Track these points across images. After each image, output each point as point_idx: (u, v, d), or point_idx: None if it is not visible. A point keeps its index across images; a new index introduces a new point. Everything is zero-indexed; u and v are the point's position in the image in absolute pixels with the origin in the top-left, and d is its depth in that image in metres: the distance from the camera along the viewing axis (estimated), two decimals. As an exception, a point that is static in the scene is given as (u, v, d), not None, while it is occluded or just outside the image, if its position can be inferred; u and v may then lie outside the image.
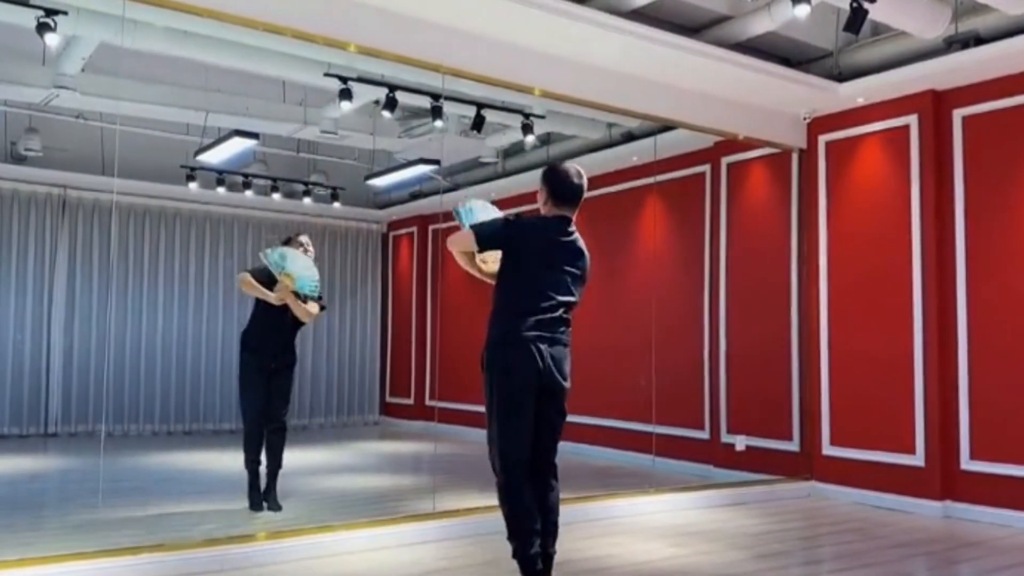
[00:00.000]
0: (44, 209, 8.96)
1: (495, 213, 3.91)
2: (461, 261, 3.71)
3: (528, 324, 3.42)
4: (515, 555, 3.40)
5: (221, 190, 8.69)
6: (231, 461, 5.60)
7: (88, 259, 8.99)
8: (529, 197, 9.27)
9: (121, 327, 8.87)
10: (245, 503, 5.14)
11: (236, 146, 7.45)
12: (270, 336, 5.18)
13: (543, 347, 3.42)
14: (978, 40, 5.44)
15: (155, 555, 3.87)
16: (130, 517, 4.95)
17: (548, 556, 3.45)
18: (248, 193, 8.81)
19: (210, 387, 9.18)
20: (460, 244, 3.65)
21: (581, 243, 3.65)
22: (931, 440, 5.73)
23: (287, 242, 5.33)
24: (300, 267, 5.12)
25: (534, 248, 3.52)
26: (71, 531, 4.65)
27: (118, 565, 3.77)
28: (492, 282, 3.66)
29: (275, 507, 5.11)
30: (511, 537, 3.41)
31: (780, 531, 5.21)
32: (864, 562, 4.46)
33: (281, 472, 5.21)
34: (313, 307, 5.23)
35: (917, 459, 5.79)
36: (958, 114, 5.82)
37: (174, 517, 5.10)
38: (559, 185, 3.62)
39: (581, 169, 3.70)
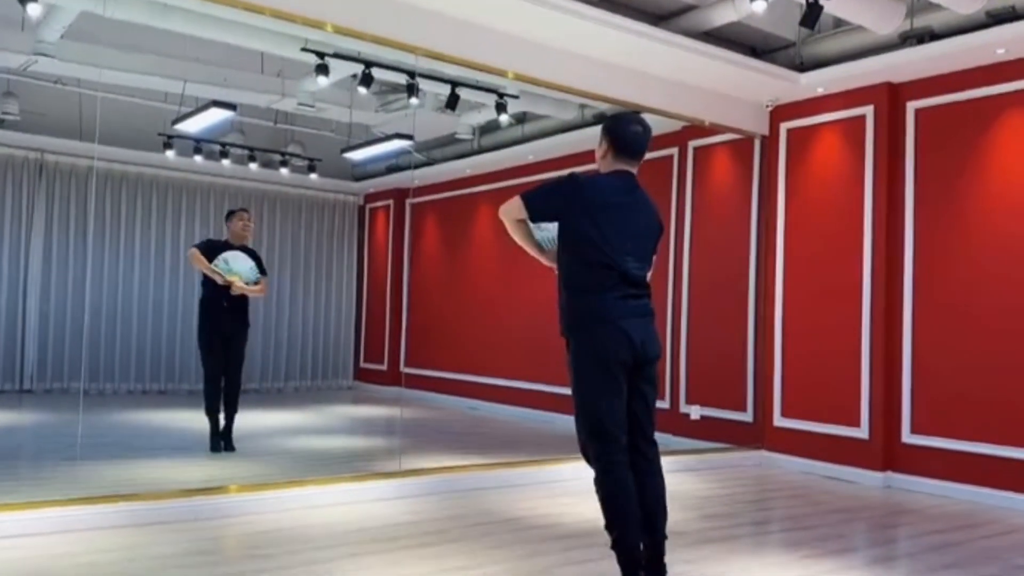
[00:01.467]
0: (21, 173, 9.02)
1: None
2: (517, 237, 3.31)
3: (612, 299, 3.10)
4: (614, 546, 3.10)
5: (198, 158, 8.79)
6: (205, 419, 5.84)
7: (64, 222, 9.09)
8: (506, 173, 9.54)
9: (97, 289, 8.99)
10: (219, 458, 5.40)
11: (213, 116, 7.56)
12: (223, 304, 5.93)
13: (635, 321, 3.14)
14: (932, 36, 5.69)
15: (131, 504, 4.10)
16: (107, 469, 5.15)
17: (662, 540, 3.19)
18: (225, 162, 8.92)
19: (185, 348, 9.32)
20: (509, 213, 3.22)
21: (650, 200, 3.30)
22: (875, 414, 6.06)
23: (229, 216, 6.11)
24: (240, 266, 5.95)
25: (601, 209, 3.10)
26: (49, 481, 4.85)
27: (94, 512, 3.99)
28: (551, 263, 3.32)
29: (230, 448, 5.87)
30: (609, 527, 3.12)
31: (728, 495, 5.53)
32: (805, 524, 4.78)
33: (251, 428, 5.58)
34: (261, 284, 6.00)
35: (862, 432, 6.12)
36: (911, 106, 6.09)
37: (149, 470, 5.31)
38: (623, 135, 3.18)
39: (646, 121, 3.30)
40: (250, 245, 6.23)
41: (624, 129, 3.21)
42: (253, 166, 9.13)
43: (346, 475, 5.03)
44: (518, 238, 3.32)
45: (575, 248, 3.16)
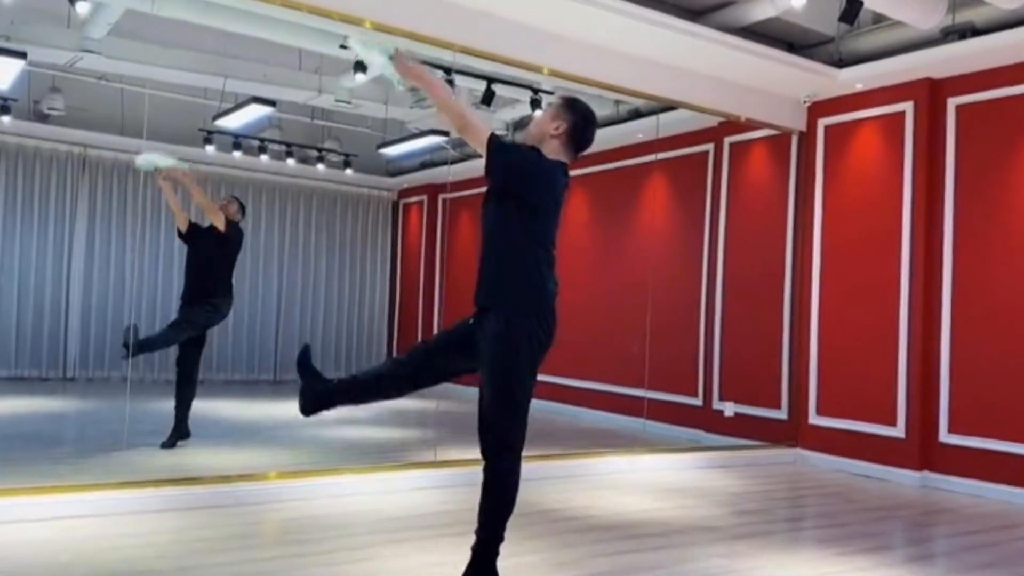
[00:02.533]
0: (65, 167, 9.22)
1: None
2: (446, 114, 3.07)
3: (551, 285, 3.07)
4: (497, 543, 3.07)
5: (237, 154, 8.92)
6: (242, 409, 5.96)
7: (107, 215, 9.28)
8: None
9: (138, 280, 9.18)
10: (257, 446, 5.54)
11: (253, 112, 7.69)
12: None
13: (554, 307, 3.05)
14: (974, 31, 5.63)
15: (177, 488, 4.22)
16: (151, 456, 5.29)
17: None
18: (263, 158, 9.05)
19: (222, 338, 9.50)
20: (473, 133, 3.00)
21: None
22: (912, 413, 6.01)
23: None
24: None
25: (552, 191, 3.04)
26: (96, 466, 4.98)
27: (142, 496, 4.11)
28: (453, 123, 3.06)
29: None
30: (500, 526, 3.04)
31: (761, 492, 5.52)
32: (839, 522, 4.76)
33: (286, 419, 5.81)
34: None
35: (898, 431, 6.07)
36: (952, 102, 6.03)
37: (191, 456, 5.44)
38: (584, 136, 3.14)
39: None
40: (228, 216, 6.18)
41: (588, 131, 3.16)
42: (291, 162, 9.26)
43: (383, 464, 5.11)
44: (446, 113, 3.07)
45: (525, 218, 3.00)
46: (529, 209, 3.01)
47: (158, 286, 9.20)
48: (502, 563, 3.15)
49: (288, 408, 6.87)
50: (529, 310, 3.02)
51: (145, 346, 6.19)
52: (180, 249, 9.37)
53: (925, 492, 5.75)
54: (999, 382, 5.63)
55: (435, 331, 10.41)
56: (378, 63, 3.11)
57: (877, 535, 4.57)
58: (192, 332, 5.95)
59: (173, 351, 9.13)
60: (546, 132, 3.13)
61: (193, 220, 6.22)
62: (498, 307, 3.02)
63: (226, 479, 4.46)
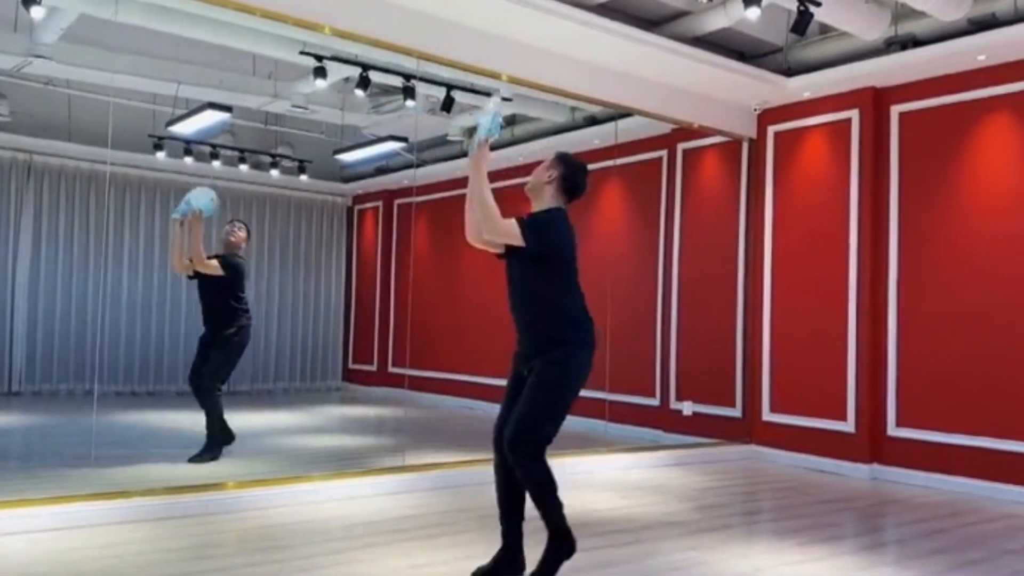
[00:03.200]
0: (10, 174, 9.00)
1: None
2: (476, 230, 3.55)
3: (591, 326, 3.53)
4: (561, 519, 3.37)
5: (188, 160, 8.83)
6: (199, 420, 5.88)
7: (53, 223, 9.09)
8: (496, 175, 9.61)
9: (83, 291, 8.99)
10: (223, 455, 5.60)
11: (209, 118, 7.61)
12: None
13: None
14: (915, 42, 5.89)
15: (144, 499, 4.18)
16: (109, 468, 5.19)
17: None
18: (216, 164, 8.96)
19: (173, 350, 9.36)
20: (500, 232, 3.40)
21: None
22: (861, 408, 6.25)
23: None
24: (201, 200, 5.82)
25: (573, 241, 3.50)
26: (53, 480, 4.87)
27: (109, 508, 4.06)
28: (494, 250, 3.56)
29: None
30: (556, 507, 3.37)
31: (720, 487, 5.68)
32: (794, 514, 4.94)
33: (245, 429, 5.83)
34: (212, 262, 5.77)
35: (848, 426, 6.30)
36: (895, 110, 6.29)
37: (150, 469, 5.35)
38: (578, 184, 3.54)
39: None
40: (241, 254, 6.08)
41: (579, 178, 3.54)
42: (243, 167, 9.18)
43: (352, 470, 5.12)
44: (475, 230, 3.56)
45: (567, 276, 3.48)
46: (562, 262, 3.45)
47: (107, 295, 9.04)
48: (471, 563, 3.28)
49: (245, 419, 6.86)
50: (582, 344, 3.48)
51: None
52: (131, 257, 9.28)
53: (875, 484, 5.97)
54: (944, 378, 5.89)
55: (390, 339, 10.40)
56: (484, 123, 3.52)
57: (831, 526, 4.75)
58: (232, 365, 5.98)
59: (122, 363, 9.08)
60: (541, 180, 3.51)
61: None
62: (555, 348, 3.43)
63: (195, 488, 4.44)
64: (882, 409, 6.19)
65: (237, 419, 8.20)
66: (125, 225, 9.30)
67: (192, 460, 5.50)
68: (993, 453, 5.58)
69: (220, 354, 5.78)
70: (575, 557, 3.37)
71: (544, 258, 3.42)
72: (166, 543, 3.78)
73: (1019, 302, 5.55)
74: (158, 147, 8.54)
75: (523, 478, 3.34)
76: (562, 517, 3.37)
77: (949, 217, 5.97)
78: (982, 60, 5.71)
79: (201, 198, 5.83)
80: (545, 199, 3.50)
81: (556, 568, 3.31)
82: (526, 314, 3.55)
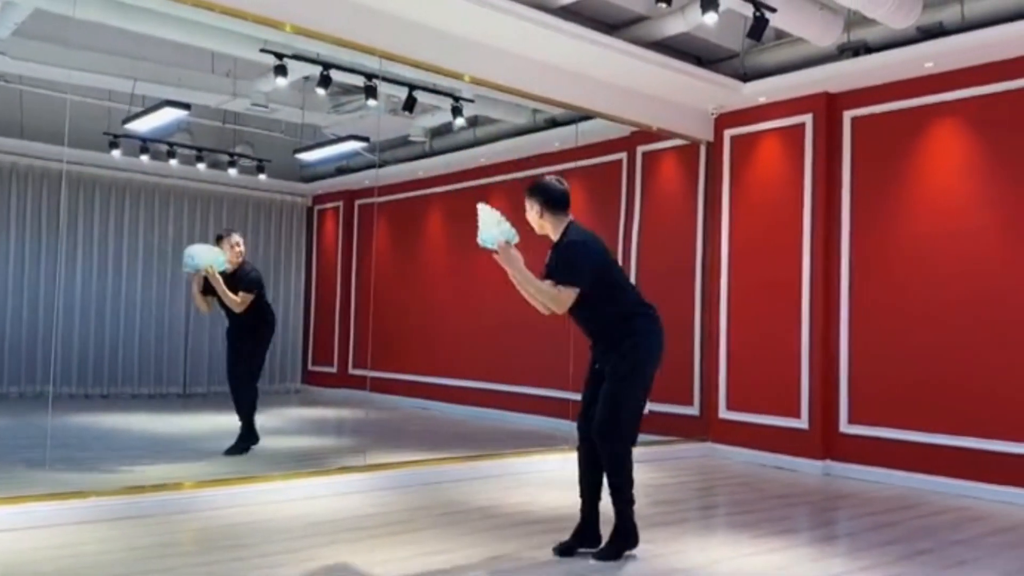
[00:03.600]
0: (-42, 172, 8.80)
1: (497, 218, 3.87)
2: (547, 309, 3.93)
3: (651, 311, 3.98)
4: (629, 510, 3.79)
5: (145, 158, 8.71)
6: (153, 423, 5.85)
7: (4, 222, 8.88)
8: (458, 176, 9.69)
9: (35, 291, 8.81)
10: (180, 459, 5.52)
11: (166, 116, 7.53)
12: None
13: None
14: (867, 49, 6.06)
15: (102, 499, 4.13)
16: (72, 469, 5.13)
17: None
18: (172, 162, 8.85)
19: (128, 353, 9.22)
20: (563, 303, 3.79)
21: None
22: (814, 406, 6.40)
23: (219, 239, 6.10)
24: (203, 256, 6.00)
25: (603, 251, 3.93)
26: (13, 480, 4.80)
27: (67, 508, 4.01)
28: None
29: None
30: (628, 498, 3.78)
31: (677, 483, 5.78)
32: (749, 509, 5.04)
33: (204, 431, 6.07)
34: (241, 296, 5.99)
35: (802, 423, 6.45)
36: (848, 115, 6.46)
37: (111, 470, 5.29)
38: (550, 192, 3.86)
39: (559, 177, 3.99)
40: (234, 262, 6.14)
41: (556, 192, 3.88)
42: (201, 166, 9.07)
43: (313, 470, 5.11)
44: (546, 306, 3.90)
45: (612, 287, 3.90)
46: (603, 273, 3.85)
47: (60, 296, 8.86)
48: (431, 559, 3.36)
49: (203, 420, 6.77)
50: (645, 332, 3.95)
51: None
52: (84, 257, 9.11)
53: (828, 480, 6.12)
54: (893, 375, 6.06)
55: (350, 340, 10.36)
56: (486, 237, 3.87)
57: (785, 519, 4.86)
58: (263, 357, 6.35)
59: (75, 369, 8.89)
60: (536, 219, 3.91)
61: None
62: (623, 342, 3.85)
63: (155, 488, 4.40)
64: (834, 406, 6.35)
65: (196, 421, 8.14)
66: (79, 224, 9.13)
67: (227, 453, 5.85)
68: (941, 448, 5.75)
69: (248, 343, 6.09)
70: (531, 552, 3.42)
71: (593, 282, 3.80)
72: (124, 543, 3.74)
73: (966, 302, 5.74)
74: (114, 145, 8.40)
75: (607, 464, 3.77)
76: (631, 509, 3.79)
77: (899, 219, 6.15)
78: (930, 67, 5.89)
79: (206, 256, 5.99)
80: (551, 226, 3.89)
81: (618, 555, 3.74)
82: (590, 324, 3.93)
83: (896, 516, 4.94)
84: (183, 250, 8.71)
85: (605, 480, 3.84)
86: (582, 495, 3.88)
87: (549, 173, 8.14)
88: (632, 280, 7.60)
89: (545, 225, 3.90)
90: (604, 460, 3.78)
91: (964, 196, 5.83)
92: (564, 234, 3.87)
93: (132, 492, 4.29)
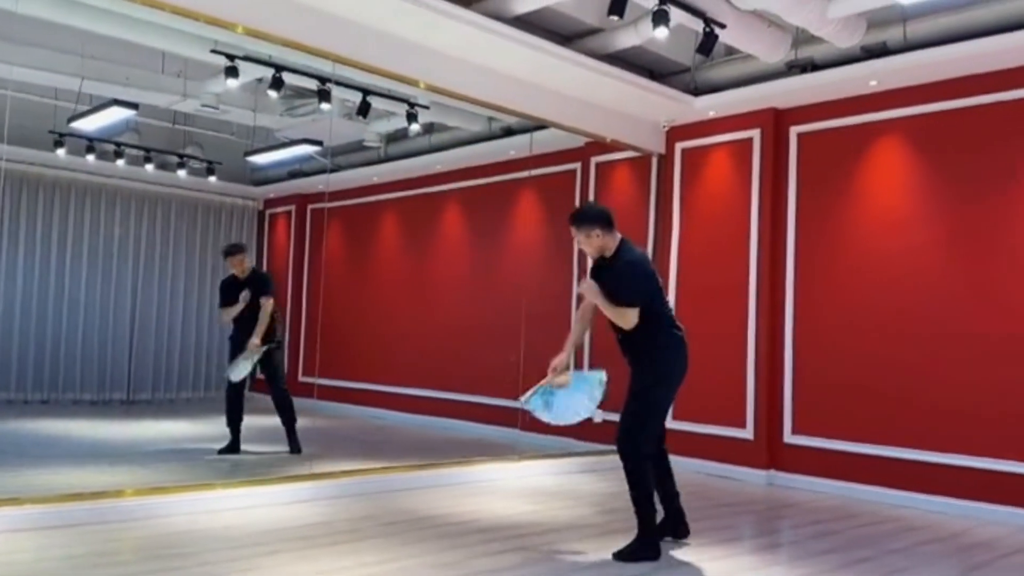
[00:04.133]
0: None
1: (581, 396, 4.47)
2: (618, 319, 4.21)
3: (677, 331, 4.28)
4: (649, 520, 4.06)
5: (91, 158, 8.53)
6: (95, 429, 5.71)
7: (-60, 223, 8.61)
8: (413, 182, 9.65)
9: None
10: (122, 467, 5.36)
11: (113, 115, 7.38)
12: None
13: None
14: (814, 66, 6.20)
15: (37, 507, 4.01)
16: (9, 475, 4.99)
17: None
18: (120, 163, 8.68)
19: (71, 357, 8.98)
20: (630, 321, 4.14)
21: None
22: (759, 417, 6.50)
23: (227, 253, 6.62)
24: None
25: (651, 273, 4.28)
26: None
27: (0, 515, 3.88)
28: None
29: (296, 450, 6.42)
30: (647, 508, 4.07)
31: (627, 492, 5.78)
32: (695, 517, 5.04)
33: (146, 437, 6.00)
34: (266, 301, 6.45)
35: (747, 433, 6.54)
36: (794, 130, 6.61)
37: (44, 476, 5.16)
38: (606, 217, 4.28)
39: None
40: (244, 270, 6.60)
41: (604, 213, 4.31)
42: (149, 167, 8.91)
43: (256, 478, 5.03)
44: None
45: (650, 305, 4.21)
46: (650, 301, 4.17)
47: (1, 297, 8.60)
48: (375, 570, 3.33)
49: (145, 427, 6.60)
50: (667, 347, 4.27)
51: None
52: (26, 258, 8.85)
53: (772, 489, 6.22)
54: (835, 387, 6.19)
55: (300, 348, 10.21)
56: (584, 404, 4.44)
57: (729, 528, 4.93)
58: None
59: (14, 370, 8.62)
60: (595, 244, 4.28)
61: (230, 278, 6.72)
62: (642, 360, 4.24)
63: (93, 496, 4.28)
64: (779, 417, 6.46)
65: (138, 428, 7.96)
66: (20, 225, 8.88)
67: (292, 452, 6.32)
68: (881, 459, 5.89)
69: (280, 353, 6.65)
70: (476, 560, 3.43)
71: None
72: (60, 551, 3.64)
73: (906, 316, 5.89)
74: (59, 144, 8.21)
75: (625, 473, 4.08)
76: (652, 519, 4.05)
77: (842, 233, 6.29)
78: (874, 85, 6.05)
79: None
80: (608, 246, 4.25)
81: (636, 558, 3.95)
82: (625, 342, 4.27)
83: (837, 525, 5.04)
84: (127, 251, 8.63)
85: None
86: (658, 496, 4.25)
87: (504, 182, 8.23)
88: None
89: (603, 247, 4.24)
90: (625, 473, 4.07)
91: (907, 211, 5.99)
92: (619, 250, 4.21)
93: (70, 499, 4.17)
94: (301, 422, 6.59)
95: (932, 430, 5.68)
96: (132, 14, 5.57)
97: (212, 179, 9.35)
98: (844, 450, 6.08)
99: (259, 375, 6.61)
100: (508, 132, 7.83)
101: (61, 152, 8.27)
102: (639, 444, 4.07)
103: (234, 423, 6.48)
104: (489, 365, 8.06)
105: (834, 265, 6.31)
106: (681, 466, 6.80)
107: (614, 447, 6.95)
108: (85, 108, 7.59)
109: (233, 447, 6.36)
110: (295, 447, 6.40)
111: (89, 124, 7.58)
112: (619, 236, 4.26)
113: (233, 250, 6.66)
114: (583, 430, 7.46)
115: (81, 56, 7.02)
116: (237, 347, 6.52)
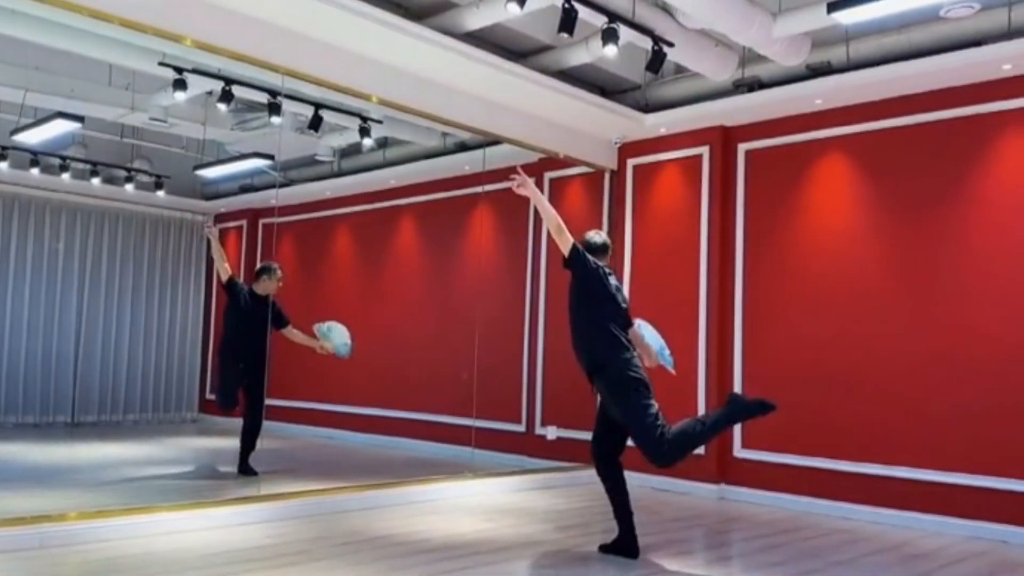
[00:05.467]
0: None
1: None
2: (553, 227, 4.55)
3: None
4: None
5: (35, 172, 8.33)
6: (39, 453, 5.53)
7: None
8: (367, 197, 9.62)
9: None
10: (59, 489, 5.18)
11: (58, 128, 7.21)
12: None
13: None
14: (761, 85, 6.32)
15: (-27, 534, 3.86)
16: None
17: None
18: (65, 176, 8.49)
19: (13, 378, 8.71)
20: (556, 233, 4.54)
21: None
22: (711, 430, 6.54)
23: (260, 273, 6.55)
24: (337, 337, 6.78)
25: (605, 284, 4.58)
26: None
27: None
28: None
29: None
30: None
31: (581, 508, 5.82)
32: (647, 531, 5.09)
33: (91, 460, 5.98)
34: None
35: (698, 448, 6.57)
36: (742, 147, 6.72)
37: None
38: (591, 245, 4.70)
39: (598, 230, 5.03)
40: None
41: (596, 243, 4.76)
42: (95, 181, 8.72)
43: (205, 500, 4.92)
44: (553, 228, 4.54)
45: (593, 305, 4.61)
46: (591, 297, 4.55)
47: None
48: None
49: (91, 450, 6.42)
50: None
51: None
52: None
53: (722, 503, 6.27)
54: (784, 402, 6.18)
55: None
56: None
57: (681, 541, 4.96)
58: None
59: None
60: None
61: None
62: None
63: (33, 519, 4.14)
64: (728, 432, 6.51)
65: (84, 451, 7.75)
66: (-40, 240, 8.63)
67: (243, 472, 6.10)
68: (828, 472, 5.98)
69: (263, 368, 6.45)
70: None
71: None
72: (-6, 580, 3.52)
73: (850, 330, 6.01)
74: (1, 157, 8.01)
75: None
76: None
77: (789, 248, 6.41)
78: (819, 104, 6.19)
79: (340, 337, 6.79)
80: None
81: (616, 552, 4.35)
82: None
83: (785, 538, 5.10)
84: (72, 267, 8.37)
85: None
86: (614, 512, 4.54)
87: (458, 197, 8.20)
88: (541, 307, 7.68)
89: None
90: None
91: (851, 226, 6.12)
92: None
93: (11, 524, 4.03)
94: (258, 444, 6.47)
95: (877, 443, 5.79)
96: (78, 25, 5.44)
97: (160, 193, 9.17)
98: (793, 463, 6.16)
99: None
100: (462, 147, 7.83)
101: (4, 165, 8.06)
102: (651, 435, 4.27)
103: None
104: (443, 383, 8.02)
105: (781, 279, 6.41)
106: (633, 480, 6.83)
107: (567, 464, 7.04)
108: (29, 121, 7.41)
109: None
110: (250, 468, 6.21)
111: (33, 137, 7.41)
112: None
113: (269, 268, 6.61)
114: (536, 447, 7.50)
115: (25, 67, 6.86)
116: (235, 357, 6.46)
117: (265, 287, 6.49)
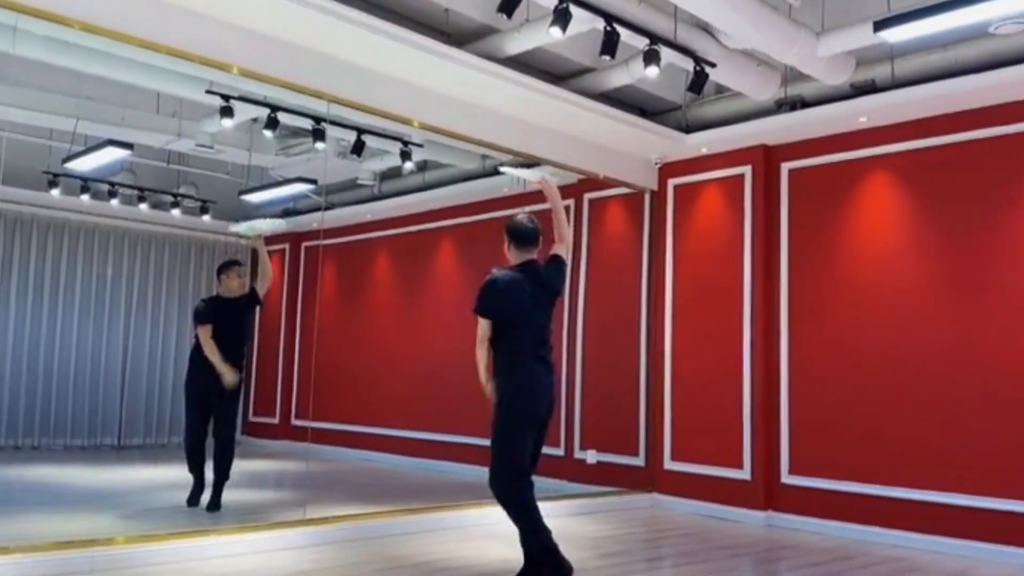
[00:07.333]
0: None
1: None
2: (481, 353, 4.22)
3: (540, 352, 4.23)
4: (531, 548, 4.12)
5: (85, 198, 8.53)
6: (87, 476, 5.59)
7: (-66, 263, 8.57)
8: (406, 220, 9.68)
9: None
10: (107, 513, 5.25)
11: (108, 155, 7.39)
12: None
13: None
14: (803, 104, 6.25)
15: (28, 556, 3.92)
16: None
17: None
18: (114, 202, 8.68)
19: (62, 401, 8.88)
20: (482, 340, 4.17)
21: (545, 271, 4.33)
22: (756, 457, 6.43)
23: (221, 269, 6.29)
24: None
25: (514, 301, 4.16)
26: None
27: (-12, 567, 3.80)
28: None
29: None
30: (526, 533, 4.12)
31: (623, 535, 5.73)
32: (694, 560, 5.02)
33: (138, 484, 5.79)
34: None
35: (744, 473, 6.47)
36: (785, 167, 6.64)
37: (32, 524, 5.06)
38: (516, 231, 4.27)
39: (531, 215, 4.40)
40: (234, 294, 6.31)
41: (516, 229, 4.28)
42: (143, 206, 8.91)
43: (249, 525, 4.95)
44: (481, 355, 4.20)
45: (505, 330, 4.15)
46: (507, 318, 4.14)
47: (7, 340, 8.50)
48: None
49: (138, 473, 6.47)
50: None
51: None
52: (19, 300, 8.79)
53: (770, 530, 6.14)
54: (830, 426, 6.14)
55: (293, 390, 10.11)
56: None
57: (728, 571, 4.85)
58: None
59: (5, 417, 8.49)
60: (506, 255, 4.30)
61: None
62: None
63: (85, 543, 4.19)
64: (776, 457, 6.39)
65: (131, 474, 7.85)
66: (14, 265, 8.84)
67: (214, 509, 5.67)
68: (877, 499, 5.82)
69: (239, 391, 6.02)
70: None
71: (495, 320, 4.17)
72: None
73: (899, 353, 5.87)
74: (53, 184, 8.22)
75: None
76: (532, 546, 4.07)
77: (834, 268, 6.29)
78: (863, 122, 6.10)
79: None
80: (513, 260, 4.30)
81: None
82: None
83: (835, 567, 4.96)
84: (120, 291, 8.50)
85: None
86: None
87: (497, 219, 8.22)
88: (579, 329, 7.62)
89: (509, 258, 4.26)
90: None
91: (898, 246, 6.00)
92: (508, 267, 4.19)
93: (60, 548, 4.09)
94: (295, 466, 6.48)
95: (930, 469, 5.63)
96: (127, 55, 5.58)
97: (206, 218, 9.34)
98: (842, 490, 6.01)
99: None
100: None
101: (55, 192, 8.27)
102: (496, 482, 4.09)
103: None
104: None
105: (827, 301, 6.30)
106: (679, 507, 6.79)
107: (611, 488, 6.96)
108: (80, 148, 7.61)
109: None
110: (219, 503, 5.76)
111: (84, 164, 7.59)
112: (523, 257, 4.28)
113: (232, 263, 6.39)
114: (576, 471, 7.42)
115: (76, 97, 7.05)
116: (233, 394, 6.07)
117: (228, 287, 6.23)
